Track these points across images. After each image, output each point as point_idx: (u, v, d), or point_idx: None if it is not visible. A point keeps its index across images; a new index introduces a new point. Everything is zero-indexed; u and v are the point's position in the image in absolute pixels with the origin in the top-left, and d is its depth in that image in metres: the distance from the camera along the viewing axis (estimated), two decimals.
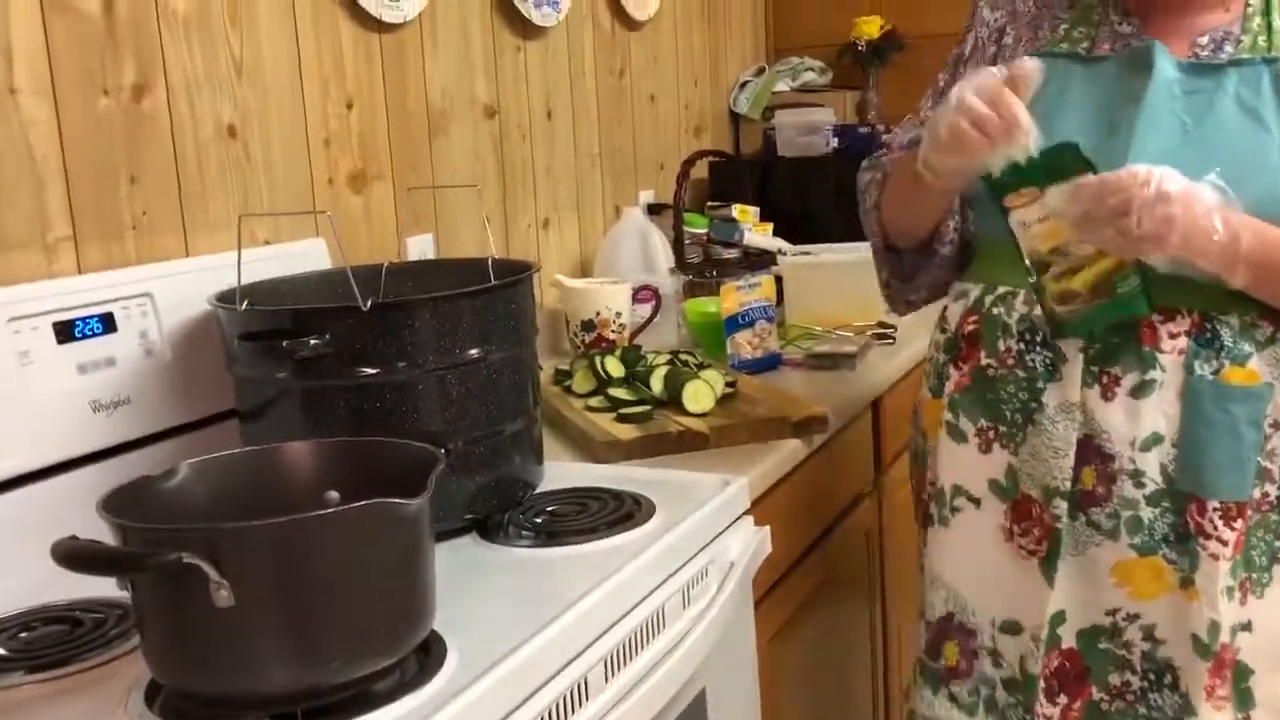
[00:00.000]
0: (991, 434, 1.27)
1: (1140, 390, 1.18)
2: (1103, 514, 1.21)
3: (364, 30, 1.65)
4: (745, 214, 2.47)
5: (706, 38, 2.75)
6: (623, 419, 1.47)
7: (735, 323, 1.84)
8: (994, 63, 1.31)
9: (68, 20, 1.24)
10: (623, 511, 1.20)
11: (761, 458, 1.39)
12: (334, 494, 0.99)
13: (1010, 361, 1.25)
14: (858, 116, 2.89)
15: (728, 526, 1.25)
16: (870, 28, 2.84)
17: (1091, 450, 1.21)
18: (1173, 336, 1.18)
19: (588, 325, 1.96)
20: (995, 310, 1.26)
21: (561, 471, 1.36)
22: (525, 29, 2.01)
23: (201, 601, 0.77)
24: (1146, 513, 1.20)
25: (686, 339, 2.02)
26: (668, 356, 1.65)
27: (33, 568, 1.09)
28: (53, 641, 0.98)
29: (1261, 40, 1.18)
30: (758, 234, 2.46)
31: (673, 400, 1.51)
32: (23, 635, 0.99)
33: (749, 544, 1.26)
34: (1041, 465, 1.23)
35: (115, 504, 0.83)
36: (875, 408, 1.82)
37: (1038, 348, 1.23)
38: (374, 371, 1.11)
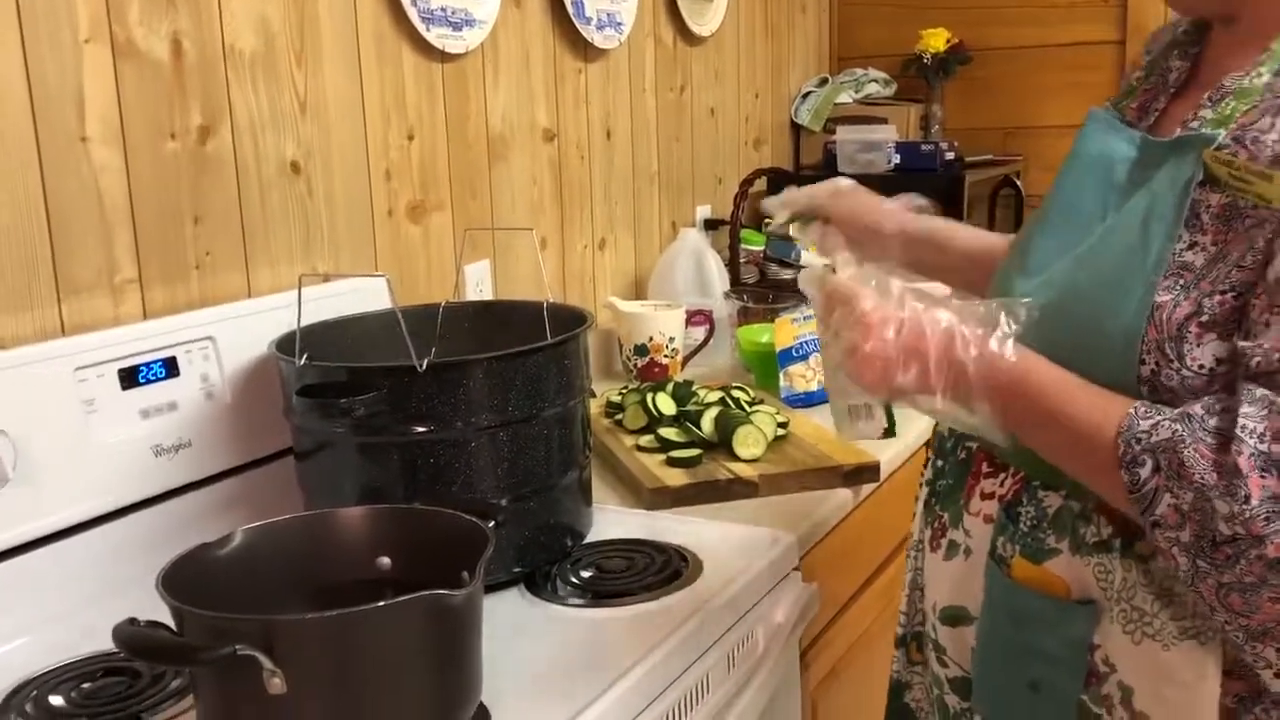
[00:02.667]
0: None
1: (950, 551, 0.99)
2: (922, 686, 1.09)
3: (426, 61, 1.65)
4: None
5: (769, 49, 2.72)
6: (672, 463, 1.47)
7: (789, 355, 1.83)
8: None
9: (137, 67, 1.25)
10: (670, 570, 1.20)
11: (811, 508, 1.39)
12: (385, 560, 1.01)
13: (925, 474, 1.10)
14: (921, 130, 2.85)
15: (775, 585, 1.25)
16: (936, 40, 2.79)
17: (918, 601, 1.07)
18: (985, 496, 0.95)
19: (640, 349, 1.97)
20: None
21: (609, 518, 1.36)
22: (587, 52, 2.01)
23: (255, 686, 0.79)
24: (953, 702, 1.01)
25: (739, 365, 2.01)
26: (719, 394, 1.65)
27: (95, 612, 1.12)
28: (112, 696, 1.00)
29: (1232, 106, 0.83)
30: (814, 253, 2.44)
31: (723, 443, 1.51)
32: (85, 686, 1.02)
33: (797, 603, 1.26)
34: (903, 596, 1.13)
35: (173, 579, 0.85)
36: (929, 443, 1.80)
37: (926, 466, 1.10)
38: (427, 429, 1.13)
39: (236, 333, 1.30)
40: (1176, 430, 0.75)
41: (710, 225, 2.48)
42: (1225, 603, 0.74)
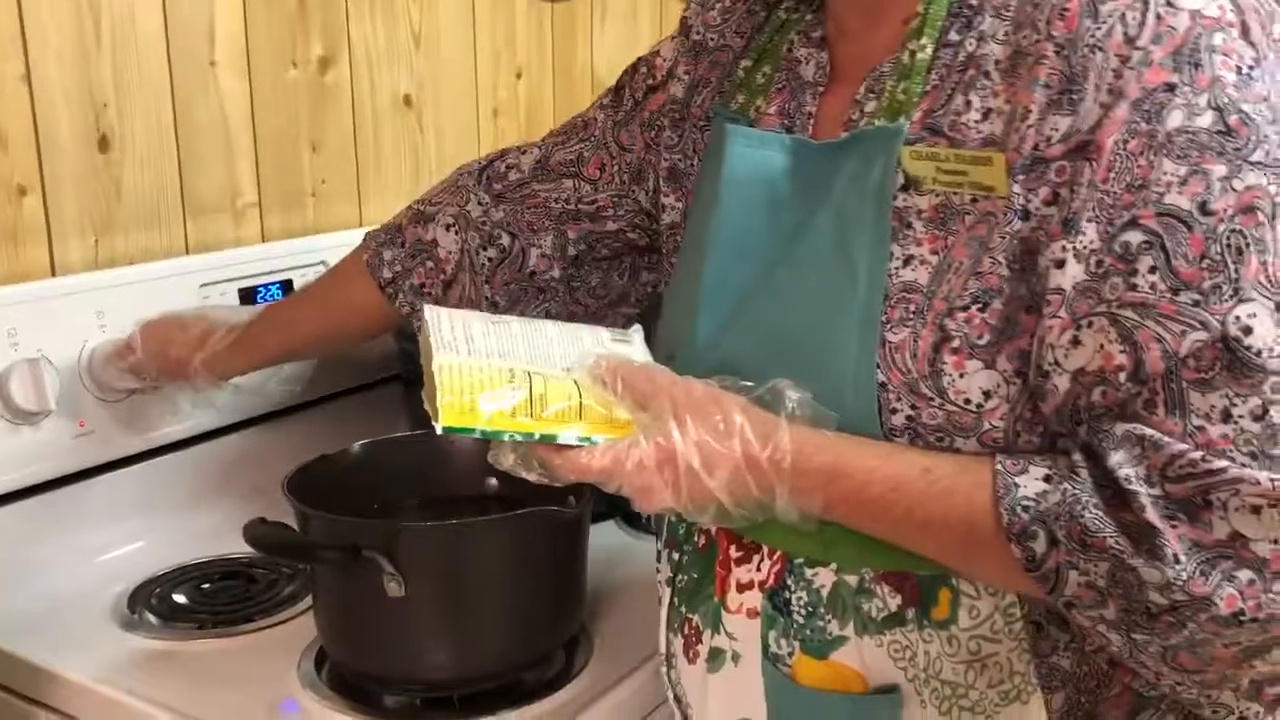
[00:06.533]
0: None
1: (714, 660, 0.78)
2: None
3: (538, 0, 1.66)
4: None
5: None
6: None
7: None
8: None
9: None
10: None
11: None
12: (493, 481, 1.04)
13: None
14: None
15: None
16: None
17: None
18: (743, 587, 0.76)
19: None
20: None
21: None
22: None
23: (374, 588, 0.82)
24: None
25: None
26: None
27: (214, 518, 1.18)
28: (230, 597, 1.05)
29: (903, 90, 0.70)
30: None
31: None
32: (205, 586, 1.07)
33: None
34: None
35: (298, 485, 0.89)
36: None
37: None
38: None
39: None
40: (1067, 490, 0.62)
41: None
42: (1175, 664, 0.63)
